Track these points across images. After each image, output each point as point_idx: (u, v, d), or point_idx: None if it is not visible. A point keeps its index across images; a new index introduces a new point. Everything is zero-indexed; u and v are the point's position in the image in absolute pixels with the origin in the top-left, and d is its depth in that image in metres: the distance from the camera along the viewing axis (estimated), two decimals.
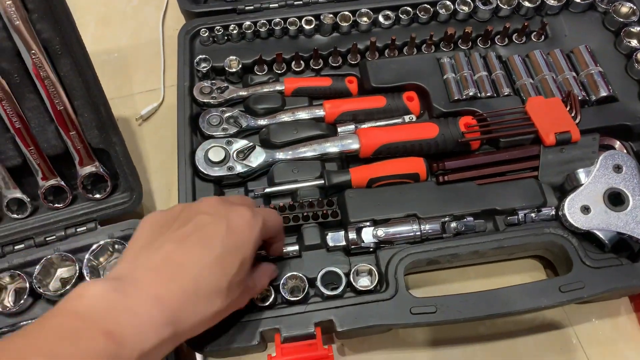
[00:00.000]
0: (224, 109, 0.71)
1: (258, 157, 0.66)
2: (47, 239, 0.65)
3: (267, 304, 0.56)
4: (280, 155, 0.66)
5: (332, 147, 0.67)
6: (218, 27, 0.77)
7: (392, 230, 0.60)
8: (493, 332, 0.63)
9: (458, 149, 0.67)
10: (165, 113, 0.84)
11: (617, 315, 0.64)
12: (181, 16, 0.84)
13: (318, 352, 0.53)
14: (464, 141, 0.66)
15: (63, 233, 0.65)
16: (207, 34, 0.77)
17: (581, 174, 0.62)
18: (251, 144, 0.67)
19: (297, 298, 0.56)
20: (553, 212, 0.61)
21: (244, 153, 0.66)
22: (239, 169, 0.65)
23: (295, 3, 0.80)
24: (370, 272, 0.59)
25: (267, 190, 0.64)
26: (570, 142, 0.65)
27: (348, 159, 0.69)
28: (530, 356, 0.61)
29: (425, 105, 0.73)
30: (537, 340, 0.62)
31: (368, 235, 0.60)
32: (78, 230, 0.66)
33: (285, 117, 0.71)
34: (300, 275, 0.58)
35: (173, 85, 0.76)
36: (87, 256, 0.62)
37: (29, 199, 0.66)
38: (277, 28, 0.78)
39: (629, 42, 0.73)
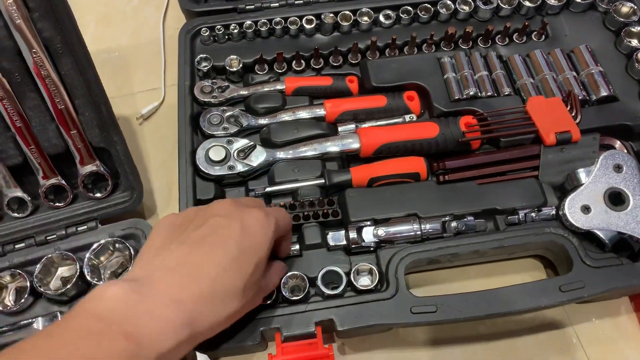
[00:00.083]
0: (224, 108, 0.71)
1: (259, 157, 0.66)
2: (47, 237, 0.65)
3: (268, 302, 0.56)
4: (280, 154, 0.67)
5: (332, 147, 0.67)
6: (219, 27, 0.77)
7: (393, 229, 0.60)
8: (493, 332, 0.63)
9: (458, 149, 0.67)
10: (166, 112, 0.84)
11: (618, 315, 0.64)
12: (182, 15, 0.84)
13: (318, 351, 0.53)
14: (465, 141, 0.66)
15: (64, 232, 0.65)
16: (207, 33, 0.77)
17: (581, 173, 0.62)
18: (252, 143, 0.67)
19: (298, 297, 0.56)
20: (553, 212, 0.61)
21: (245, 152, 0.66)
22: (240, 168, 0.65)
23: (296, 2, 0.80)
24: (370, 272, 0.59)
25: (268, 189, 0.64)
26: (570, 142, 0.65)
27: (348, 159, 0.69)
28: (530, 356, 0.61)
29: (426, 104, 0.73)
30: (537, 339, 0.62)
31: (368, 234, 0.60)
32: (79, 229, 0.66)
33: (285, 117, 0.71)
34: (301, 274, 0.58)
35: (174, 84, 0.76)
36: (87, 255, 0.62)
37: (29, 198, 0.66)
38: (277, 27, 0.78)
39: (630, 41, 0.73)
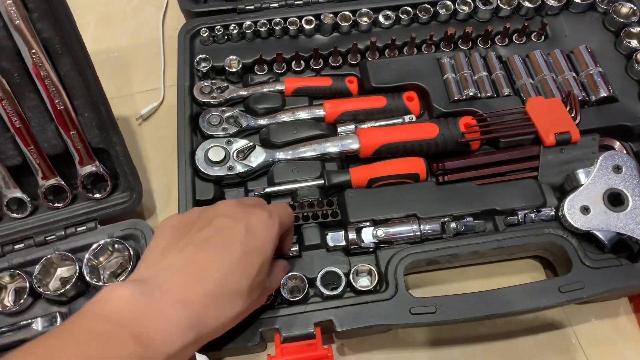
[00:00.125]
0: (224, 108, 0.71)
1: (258, 157, 0.66)
2: (47, 238, 0.65)
3: (267, 303, 0.56)
4: (280, 155, 0.66)
5: (332, 147, 0.67)
6: (218, 27, 0.77)
7: (392, 230, 0.60)
8: (493, 332, 0.63)
9: (458, 149, 0.67)
10: (166, 113, 0.84)
11: (617, 316, 0.64)
12: (181, 16, 0.84)
13: (318, 352, 0.53)
14: (464, 141, 0.66)
15: (63, 232, 0.65)
16: (207, 33, 0.77)
17: (581, 174, 0.62)
18: (251, 143, 0.67)
19: (297, 298, 0.56)
20: (553, 213, 0.61)
21: (244, 153, 0.66)
22: (239, 168, 0.65)
23: (295, 3, 0.80)
24: (370, 272, 0.59)
25: (267, 190, 0.64)
26: (570, 143, 0.65)
27: (348, 159, 0.69)
28: (530, 356, 0.61)
29: (425, 105, 0.73)
30: (537, 340, 0.62)
31: (368, 235, 0.60)
32: (78, 229, 0.66)
33: (285, 117, 0.71)
34: (300, 275, 0.58)
35: (173, 85, 0.76)
36: (87, 256, 0.62)
37: (29, 199, 0.66)
38: (277, 28, 0.78)
39: (629, 42, 0.74)
